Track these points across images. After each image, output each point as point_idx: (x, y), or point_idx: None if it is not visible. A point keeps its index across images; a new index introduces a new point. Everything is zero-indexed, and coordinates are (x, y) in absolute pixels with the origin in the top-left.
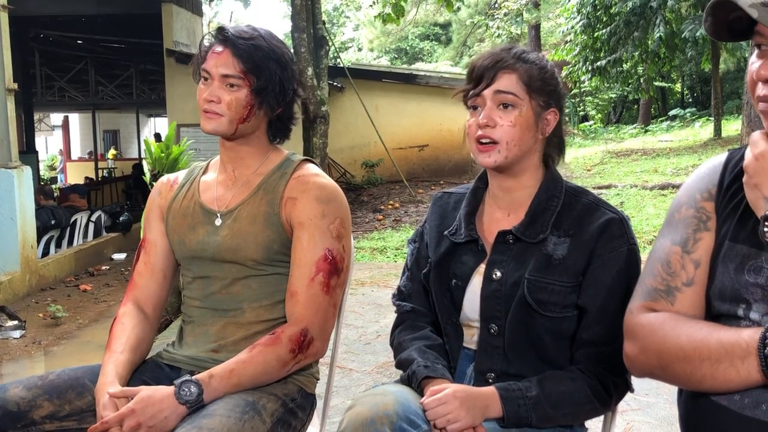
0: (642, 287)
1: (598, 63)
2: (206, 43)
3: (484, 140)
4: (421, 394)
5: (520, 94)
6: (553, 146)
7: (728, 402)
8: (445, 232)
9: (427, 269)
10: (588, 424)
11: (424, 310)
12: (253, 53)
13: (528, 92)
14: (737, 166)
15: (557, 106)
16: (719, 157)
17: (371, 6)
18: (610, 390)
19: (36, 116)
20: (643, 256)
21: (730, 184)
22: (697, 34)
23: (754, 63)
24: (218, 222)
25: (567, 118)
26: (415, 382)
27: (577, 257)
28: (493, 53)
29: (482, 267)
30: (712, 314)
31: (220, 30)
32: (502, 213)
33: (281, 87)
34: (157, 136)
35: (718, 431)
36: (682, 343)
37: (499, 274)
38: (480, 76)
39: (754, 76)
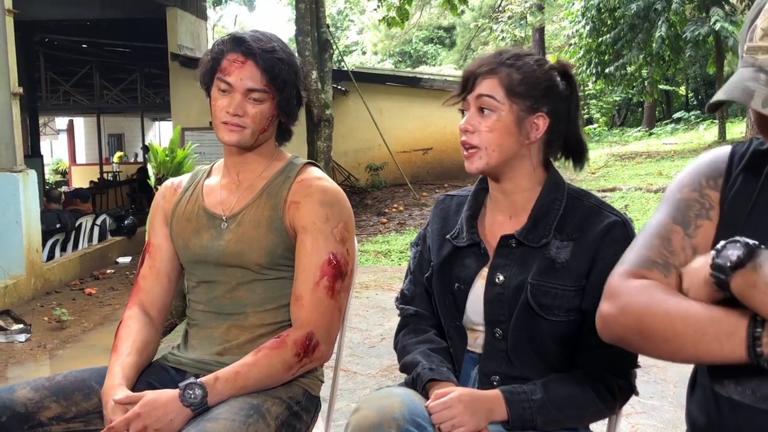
0: (634, 255)
1: (603, 66)
2: (220, 49)
3: (466, 146)
4: (426, 396)
5: (499, 98)
6: (556, 149)
7: (741, 397)
8: (447, 236)
9: (430, 273)
10: (592, 427)
11: (428, 314)
12: (278, 66)
13: (508, 96)
14: (742, 159)
15: (549, 110)
16: (724, 149)
17: (375, 10)
18: (614, 393)
19: (41, 120)
20: None
21: (737, 176)
22: (697, 33)
23: None
24: (224, 226)
25: None
26: (420, 384)
27: (580, 261)
28: (481, 58)
29: (485, 271)
30: None
31: (241, 41)
32: (504, 216)
33: (298, 96)
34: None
35: (734, 426)
36: (670, 307)
37: (501, 278)
38: (466, 81)
39: None
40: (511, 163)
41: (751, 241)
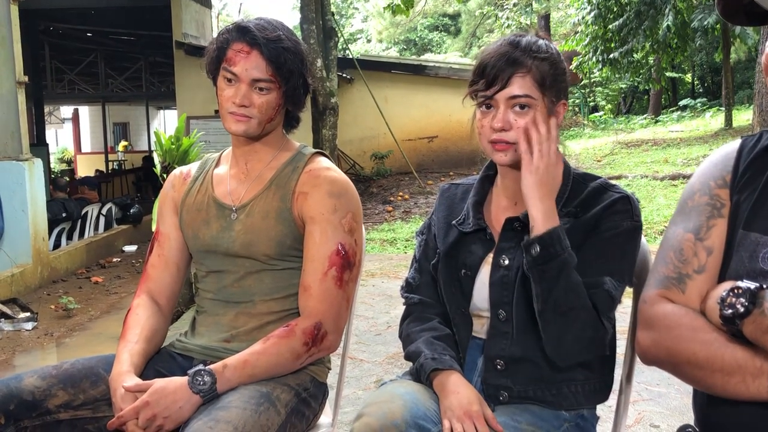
0: (655, 275)
1: (609, 53)
2: (225, 38)
3: (500, 142)
4: (431, 386)
5: (534, 95)
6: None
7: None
8: (453, 222)
9: (436, 260)
10: (599, 412)
11: (432, 302)
12: (283, 56)
13: (541, 91)
14: (751, 152)
15: (565, 96)
16: (732, 144)
17: None
18: (603, 323)
19: (46, 109)
20: (654, 247)
21: (745, 171)
22: (706, 23)
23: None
24: (233, 217)
25: (577, 109)
26: (424, 375)
27: (575, 235)
28: (503, 52)
29: (490, 256)
30: None
31: (245, 30)
32: (509, 202)
33: (305, 84)
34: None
35: (739, 413)
36: (696, 349)
37: (507, 261)
38: (493, 78)
39: (762, 61)
40: None
41: (752, 285)
